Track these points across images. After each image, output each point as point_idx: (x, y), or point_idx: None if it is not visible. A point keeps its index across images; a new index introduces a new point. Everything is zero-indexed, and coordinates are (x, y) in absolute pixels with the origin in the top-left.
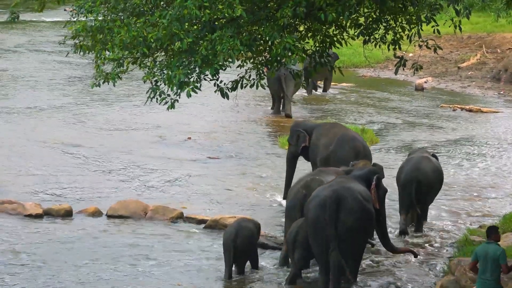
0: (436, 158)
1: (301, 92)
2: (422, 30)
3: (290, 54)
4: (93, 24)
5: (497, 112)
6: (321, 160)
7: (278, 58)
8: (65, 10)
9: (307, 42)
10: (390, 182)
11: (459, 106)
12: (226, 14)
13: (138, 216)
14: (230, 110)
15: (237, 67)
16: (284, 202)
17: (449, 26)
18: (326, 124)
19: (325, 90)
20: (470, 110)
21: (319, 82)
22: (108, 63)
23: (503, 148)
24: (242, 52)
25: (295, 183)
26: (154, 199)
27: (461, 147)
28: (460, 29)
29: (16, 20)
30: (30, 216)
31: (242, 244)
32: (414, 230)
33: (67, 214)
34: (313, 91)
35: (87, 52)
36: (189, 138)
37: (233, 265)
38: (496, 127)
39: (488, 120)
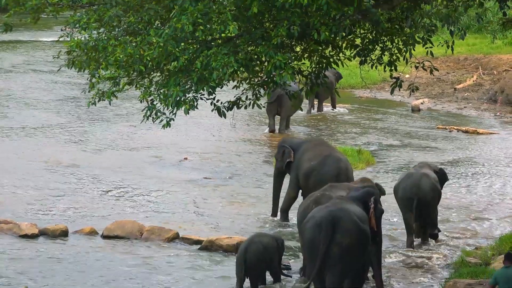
0: (443, 171)
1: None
2: (414, 50)
3: (280, 72)
4: (87, 42)
5: (493, 133)
6: (303, 174)
7: (271, 76)
8: (61, 30)
9: (303, 63)
10: (389, 202)
11: (455, 127)
12: (219, 30)
13: (134, 237)
14: (226, 129)
15: (233, 87)
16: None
17: (442, 45)
18: (312, 141)
19: (333, 107)
20: (466, 132)
21: (315, 101)
22: (104, 82)
23: (500, 169)
24: (238, 72)
25: (306, 198)
26: (150, 220)
27: (458, 168)
28: (452, 49)
29: (9, 31)
30: (25, 236)
31: (252, 259)
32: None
33: (63, 234)
34: (312, 110)
35: (80, 68)
36: (186, 158)
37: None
38: (492, 148)
39: (484, 141)
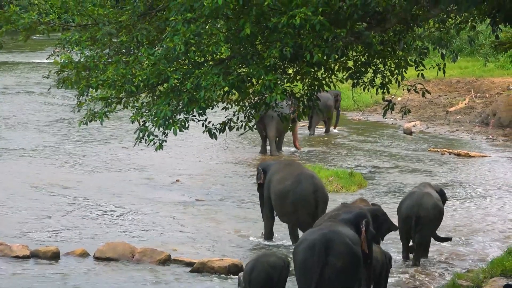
0: (443, 192)
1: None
2: (406, 73)
3: (269, 92)
4: (79, 59)
5: (485, 156)
6: (277, 195)
7: (262, 98)
8: (54, 51)
9: (296, 85)
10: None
11: (447, 150)
12: (211, 51)
13: (125, 259)
14: (219, 151)
15: (222, 109)
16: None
17: (434, 68)
18: (281, 162)
19: (327, 131)
20: (458, 155)
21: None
22: (96, 102)
23: (491, 192)
24: (229, 93)
25: (321, 217)
26: (142, 242)
27: (449, 191)
28: (444, 72)
29: (0, 48)
30: (17, 257)
31: (257, 279)
32: (412, 264)
33: (55, 256)
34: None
35: (70, 87)
36: (178, 180)
37: None
38: (484, 171)
39: (476, 164)
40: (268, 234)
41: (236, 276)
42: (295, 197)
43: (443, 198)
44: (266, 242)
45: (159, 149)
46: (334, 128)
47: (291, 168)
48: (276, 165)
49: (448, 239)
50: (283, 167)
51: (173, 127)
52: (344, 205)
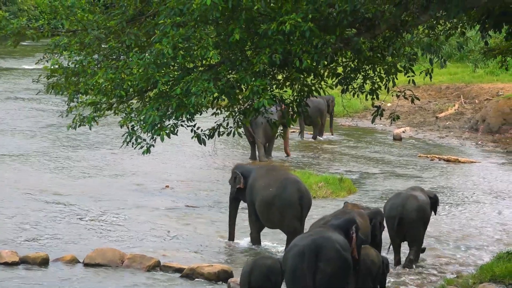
0: (436, 198)
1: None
2: (397, 79)
3: (258, 98)
4: (67, 64)
5: (474, 162)
6: (263, 203)
7: (251, 103)
8: (43, 57)
9: (285, 91)
10: None
11: (437, 156)
12: (199, 56)
13: (115, 265)
14: (208, 156)
15: (212, 114)
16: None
17: (420, 74)
18: (263, 167)
19: (314, 137)
20: (447, 160)
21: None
22: (85, 107)
23: (480, 198)
24: (218, 99)
25: (317, 220)
26: (131, 248)
27: (439, 196)
28: (431, 77)
29: None
30: (5, 264)
31: (255, 281)
32: (403, 265)
33: (44, 262)
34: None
35: (59, 92)
36: (167, 186)
37: None
38: (473, 177)
39: (465, 170)
40: (255, 239)
41: (226, 283)
42: (281, 203)
43: (434, 203)
44: (254, 247)
45: (147, 153)
46: (332, 134)
47: (274, 173)
48: (258, 170)
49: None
50: (265, 172)
51: (160, 133)
52: (344, 212)
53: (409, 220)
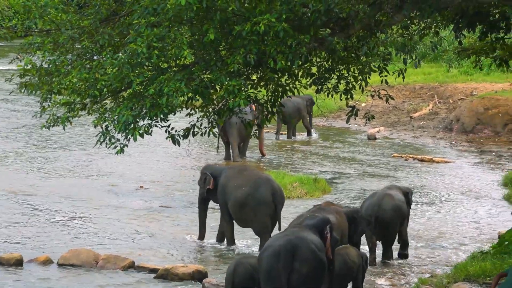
0: (408, 189)
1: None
2: (370, 78)
3: (233, 98)
4: (41, 64)
5: (449, 162)
6: (236, 203)
7: (226, 103)
8: (17, 57)
9: (260, 91)
10: None
11: (411, 155)
12: (174, 56)
13: (89, 265)
14: (182, 157)
15: (186, 115)
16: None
17: (393, 73)
18: (235, 167)
19: (289, 137)
20: (422, 160)
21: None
22: (59, 107)
23: (455, 197)
24: (193, 99)
25: (295, 218)
26: (106, 248)
27: (413, 196)
28: (403, 77)
29: None
30: None
31: (240, 280)
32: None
33: (18, 263)
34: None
35: (32, 92)
36: (142, 186)
37: None
38: (448, 176)
39: (440, 170)
40: (230, 239)
41: (200, 283)
42: (254, 202)
43: (408, 199)
44: (229, 247)
45: (120, 153)
46: (315, 133)
47: (246, 173)
48: (230, 170)
49: None
50: (237, 172)
51: (134, 133)
52: (320, 209)
53: (386, 219)
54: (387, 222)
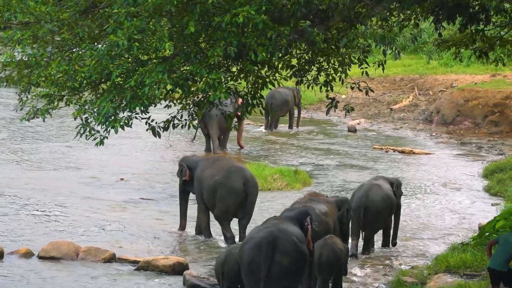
0: (395, 184)
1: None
2: (349, 70)
3: (213, 91)
4: (21, 57)
5: (429, 153)
6: (209, 191)
7: (206, 96)
8: None
9: (240, 83)
10: None
11: (391, 147)
12: (154, 48)
13: (70, 258)
14: (163, 149)
15: (165, 107)
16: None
17: (373, 65)
18: (209, 158)
19: (290, 126)
20: (402, 152)
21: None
22: (38, 100)
23: (435, 189)
24: (173, 91)
25: (285, 209)
26: (86, 241)
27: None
28: (383, 68)
29: None
30: None
31: (229, 270)
32: (361, 251)
33: None
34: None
35: (12, 85)
36: (122, 179)
37: None
38: (428, 168)
39: (420, 161)
40: (205, 230)
41: (181, 275)
42: (224, 190)
43: (398, 189)
44: (207, 239)
45: (100, 145)
46: (297, 127)
47: (220, 163)
48: (205, 161)
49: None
50: (212, 162)
51: (114, 125)
52: (310, 199)
53: (374, 209)
54: (376, 212)
